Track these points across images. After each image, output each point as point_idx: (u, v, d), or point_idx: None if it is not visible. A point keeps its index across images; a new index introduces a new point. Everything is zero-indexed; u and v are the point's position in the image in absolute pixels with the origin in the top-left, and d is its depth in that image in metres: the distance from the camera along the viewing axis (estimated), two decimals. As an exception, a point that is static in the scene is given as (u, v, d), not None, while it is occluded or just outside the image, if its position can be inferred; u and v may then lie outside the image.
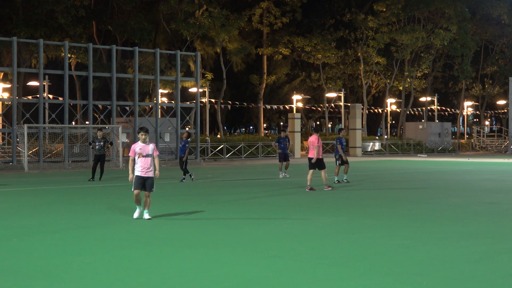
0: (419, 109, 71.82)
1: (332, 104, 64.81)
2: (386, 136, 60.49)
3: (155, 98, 36.97)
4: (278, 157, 23.62)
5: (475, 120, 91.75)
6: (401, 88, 60.51)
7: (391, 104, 68.00)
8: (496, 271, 7.27)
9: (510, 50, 66.51)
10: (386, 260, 7.83)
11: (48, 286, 6.65)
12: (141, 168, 11.33)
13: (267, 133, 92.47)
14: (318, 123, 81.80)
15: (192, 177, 20.92)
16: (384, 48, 57.51)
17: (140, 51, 36.80)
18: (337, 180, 19.97)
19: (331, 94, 59.20)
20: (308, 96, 63.24)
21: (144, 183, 11.31)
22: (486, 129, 77.80)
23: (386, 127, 65.95)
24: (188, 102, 48.13)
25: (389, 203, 14.27)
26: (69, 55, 38.84)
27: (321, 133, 55.33)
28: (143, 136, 11.43)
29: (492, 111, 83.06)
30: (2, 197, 16.21)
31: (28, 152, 29.53)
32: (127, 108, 42.26)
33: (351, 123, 47.68)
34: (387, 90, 59.62)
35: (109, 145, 22.89)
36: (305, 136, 54.66)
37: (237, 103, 63.18)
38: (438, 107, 68.47)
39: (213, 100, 56.19)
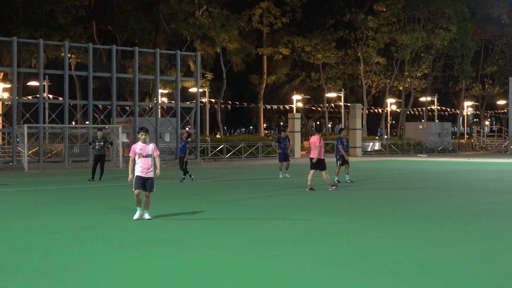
0: (419, 109, 71.80)
1: (332, 104, 64.80)
2: (386, 136, 60.48)
3: (155, 98, 36.96)
4: (278, 157, 23.61)
5: (475, 120, 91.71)
6: (401, 88, 60.50)
7: (391, 104, 67.99)
8: (496, 271, 7.27)
9: (510, 50, 66.50)
10: (386, 260, 7.83)
11: (48, 286, 6.65)
12: (141, 168, 11.29)
13: (267, 133, 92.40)
14: (318, 123, 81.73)
15: (192, 177, 20.91)
16: (384, 48, 57.51)
17: (140, 51, 36.80)
18: (337, 180, 19.95)
19: (331, 94, 59.19)
20: (308, 96, 63.23)
21: (144, 184, 11.28)
22: (486, 129, 77.79)
23: (386, 127, 65.94)
24: (188, 102, 48.12)
25: (389, 203, 14.27)
26: (69, 55, 38.83)
27: (321, 133, 55.26)
28: (143, 136, 11.39)
29: (492, 111, 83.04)
30: (2, 197, 16.21)
31: (28, 152, 29.52)
32: (127, 108, 42.25)
33: (351, 123, 47.65)
34: (387, 90, 59.61)
35: (109, 145, 22.90)
36: (305, 136, 54.70)
37: (237, 103, 63.17)
38: (438, 107, 68.45)
39: (213, 100, 56.19)
